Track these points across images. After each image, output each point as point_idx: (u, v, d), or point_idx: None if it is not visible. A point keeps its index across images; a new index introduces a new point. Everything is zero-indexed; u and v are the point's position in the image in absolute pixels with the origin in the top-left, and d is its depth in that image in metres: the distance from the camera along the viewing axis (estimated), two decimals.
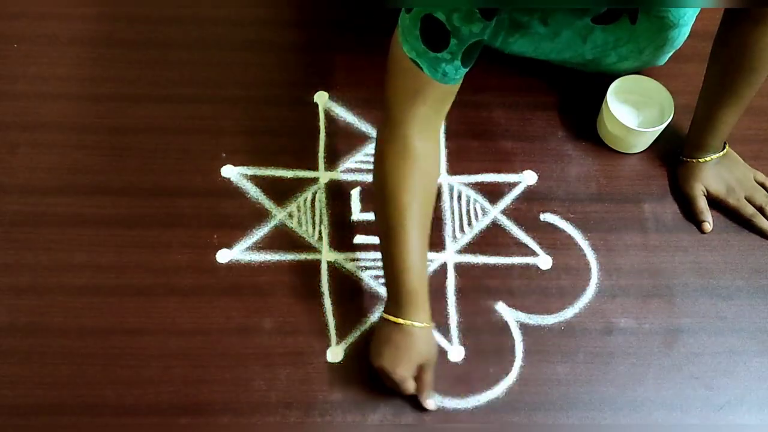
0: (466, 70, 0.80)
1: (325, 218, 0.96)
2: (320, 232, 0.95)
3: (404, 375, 0.81)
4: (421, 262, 0.83)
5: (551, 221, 0.97)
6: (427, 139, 0.84)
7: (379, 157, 0.84)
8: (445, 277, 0.93)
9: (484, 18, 0.74)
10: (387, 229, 0.83)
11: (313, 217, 0.96)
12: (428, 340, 0.83)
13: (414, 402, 0.84)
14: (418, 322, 0.81)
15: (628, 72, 1.02)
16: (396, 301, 0.82)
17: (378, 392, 0.85)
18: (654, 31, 0.96)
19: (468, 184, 1.00)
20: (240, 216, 0.95)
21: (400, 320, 0.81)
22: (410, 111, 0.81)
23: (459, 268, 0.94)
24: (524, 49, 1.02)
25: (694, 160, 0.97)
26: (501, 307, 0.91)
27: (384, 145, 0.84)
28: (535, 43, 1.00)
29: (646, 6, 0.93)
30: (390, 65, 0.81)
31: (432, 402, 0.84)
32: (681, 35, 0.98)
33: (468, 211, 0.98)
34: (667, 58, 1.03)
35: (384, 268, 0.85)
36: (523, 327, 0.90)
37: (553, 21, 0.96)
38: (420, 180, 0.83)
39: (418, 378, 0.83)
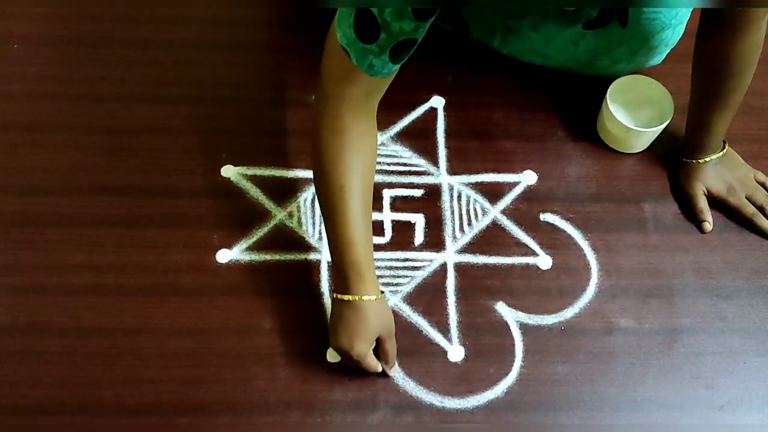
0: (396, 66, 0.80)
1: None
2: (320, 232, 0.95)
3: (362, 351, 0.81)
4: (365, 237, 0.83)
5: (551, 221, 0.97)
6: (360, 117, 0.83)
7: (314, 133, 0.83)
8: (445, 277, 0.93)
9: (417, 18, 0.74)
10: (328, 208, 0.83)
11: (313, 217, 0.96)
12: (381, 311, 0.83)
13: (414, 401, 0.85)
14: (366, 296, 0.81)
15: (624, 74, 1.02)
16: (344, 278, 0.82)
17: (378, 392, 0.85)
18: (646, 33, 0.96)
19: (468, 184, 1.00)
20: (240, 216, 0.95)
21: (348, 297, 0.81)
22: (341, 90, 0.80)
23: (459, 268, 0.94)
24: (519, 52, 1.03)
25: (695, 161, 0.98)
26: (501, 307, 0.91)
27: (318, 119, 0.83)
28: (529, 47, 1.01)
29: (620, 5, 0.93)
30: (326, 44, 0.81)
31: (395, 369, 0.85)
32: (675, 35, 0.98)
33: (468, 211, 0.98)
34: (663, 57, 1.03)
35: (329, 246, 0.84)
36: (523, 327, 0.90)
37: (543, 28, 0.96)
38: (356, 155, 0.82)
39: (380, 350, 0.83)
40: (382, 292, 0.84)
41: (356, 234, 0.81)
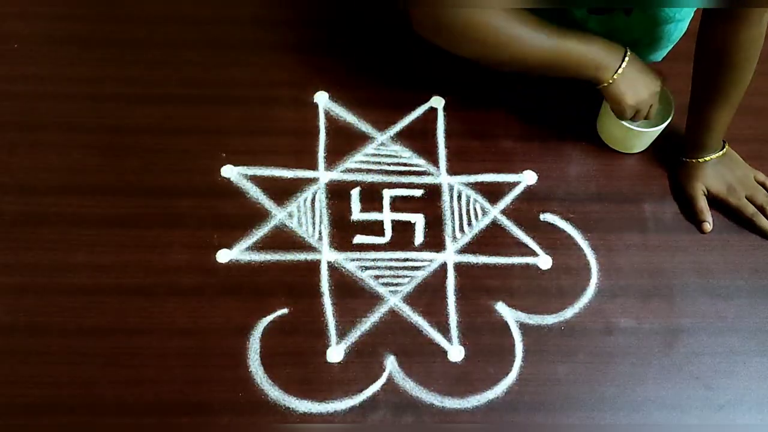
0: None
1: (325, 218, 0.96)
2: (320, 232, 0.95)
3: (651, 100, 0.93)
4: (567, 30, 0.90)
5: (551, 221, 0.97)
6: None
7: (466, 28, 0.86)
8: (445, 277, 0.93)
9: None
10: (525, 52, 0.88)
11: (313, 217, 0.96)
12: (642, 65, 0.93)
13: (414, 401, 0.85)
14: (617, 60, 0.90)
15: None
16: (594, 62, 0.89)
17: (378, 392, 0.85)
18: (649, 24, 0.96)
19: (468, 184, 1.00)
20: (240, 216, 0.96)
21: (611, 74, 0.90)
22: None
23: (459, 268, 0.94)
24: None
25: (695, 161, 0.98)
26: (501, 307, 0.91)
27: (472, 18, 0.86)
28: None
29: (635, 5, 0.93)
30: None
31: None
32: (678, 30, 0.98)
33: (468, 211, 0.98)
34: (663, 54, 1.03)
35: (549, 63, 0.90)
36: (523, 327, 0.90)
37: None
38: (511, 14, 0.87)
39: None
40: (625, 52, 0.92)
41: (556, 30, 0.88)
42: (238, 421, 0.83)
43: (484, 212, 0.98)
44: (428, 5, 0.86)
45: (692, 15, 0.98)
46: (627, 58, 0.91)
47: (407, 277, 0.93)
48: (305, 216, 0.96)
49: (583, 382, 0.87)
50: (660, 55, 1.03)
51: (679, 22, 0.97)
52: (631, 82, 0.91)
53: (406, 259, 0.94)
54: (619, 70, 0.91)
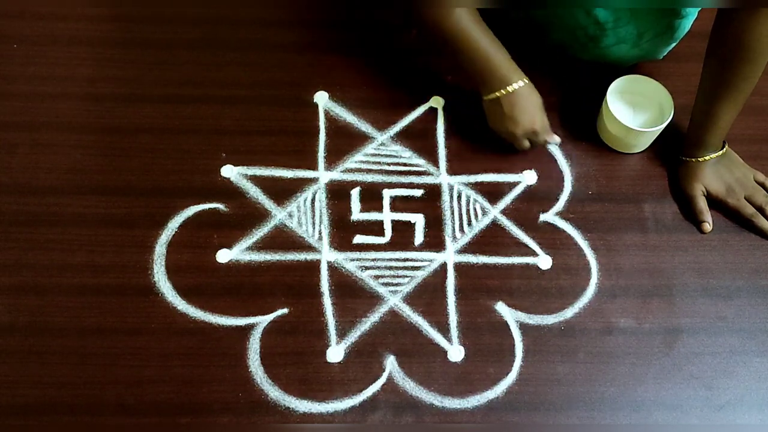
0: None
1: (325, 218, 0.96)
2: (320, 232, 0.95)
3: (541, 127, 0.97)
4: (492, 42, 0.94)
5: (551, 221, 0.97)
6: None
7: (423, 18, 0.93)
8: (445, 277, 0.93)
9: None
10: (451, 38, 0.93)
11: (313, 217, 0.96)
12: (534, 95, 0.96)
13: (414, 401, 0.85)
14: (516, 83, 0.94)
15: (626, 62, 1.02)
16: (491, 77, 0.94)
17: (378, 392, 0.85)
18: (655, 15, 0.95)
19: (468, 184, 1.00)
20: (240, 216, 0.96)
21: (501, 91, 0.94)
22: None
23: (459, 268, 0.94)
24: (536, 12, 1.03)
25: (694, 160, 0.98)
26: (501, 307, 0.91)
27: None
28: (545, 8, 1.01)
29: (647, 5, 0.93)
30: None
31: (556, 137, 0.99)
32: (682, 26, 0.98)
33: (468, 211, 0.98)
34: (666, 52, 1.02)
35: (466, 64, 0.94)
36: (523, 327, 0.90)
37: None
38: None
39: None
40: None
41: (486, 41, 0.93)
42: (238, 421, 0.83)
43: (484, 212, 0.98)
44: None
45: (697, 13, 0.98)
46: (524, 83, 0.95)
47: (407, 277, 0.93)
48: (305, 216, 0.96)
49: (583, 382, 0.87)
50: (662, 52, 1.02)
51: (684, 18, 0.97)
52: (512, 107, 0.95)
53: (406, 259, 0.94)
54: (509, 88, 0.94)
